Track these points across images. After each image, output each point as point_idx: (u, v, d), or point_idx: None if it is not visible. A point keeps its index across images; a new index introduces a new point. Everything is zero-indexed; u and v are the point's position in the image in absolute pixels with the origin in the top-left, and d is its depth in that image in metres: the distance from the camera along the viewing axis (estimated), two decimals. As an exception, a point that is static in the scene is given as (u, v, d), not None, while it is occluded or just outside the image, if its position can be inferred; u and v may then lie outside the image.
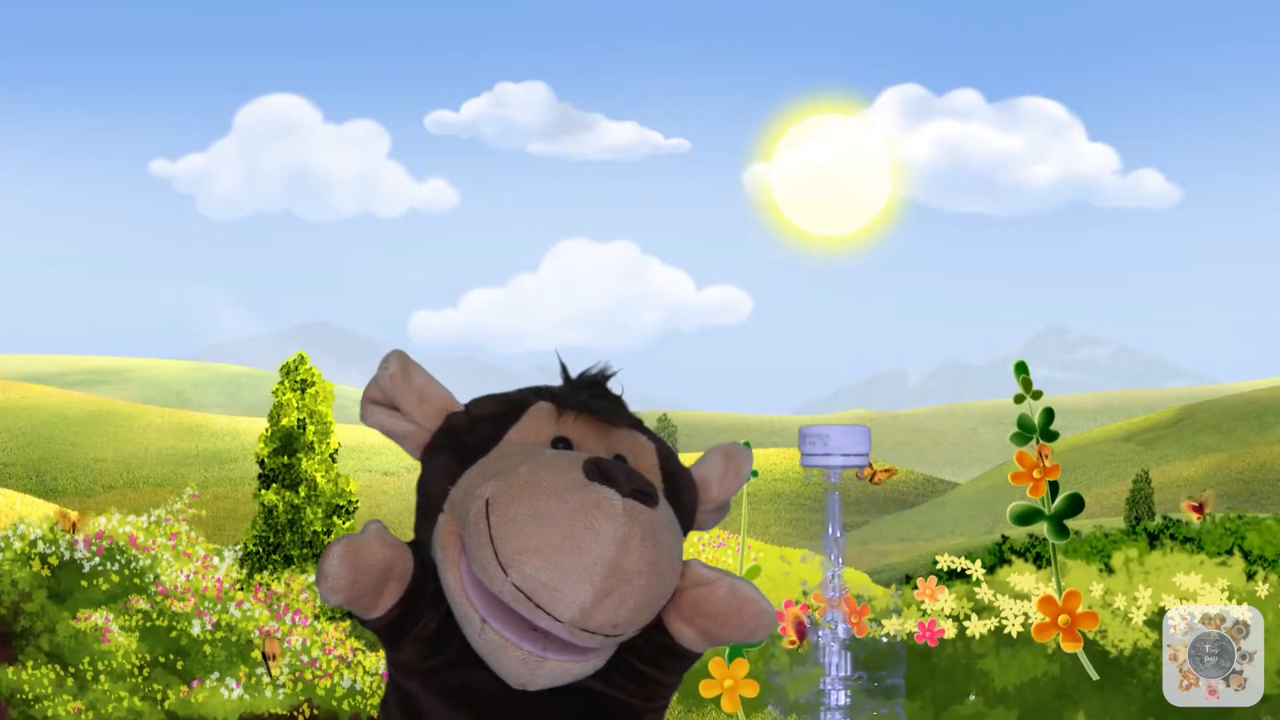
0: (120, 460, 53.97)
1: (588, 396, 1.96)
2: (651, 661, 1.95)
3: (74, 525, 14.17)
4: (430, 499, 1.97)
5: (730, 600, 1.92)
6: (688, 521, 2.01)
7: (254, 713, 13.88)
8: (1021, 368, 7.77)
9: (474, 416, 1.98)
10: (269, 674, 13.86)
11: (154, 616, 14.01)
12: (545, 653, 1.83)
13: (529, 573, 1.78)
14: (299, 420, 29.12)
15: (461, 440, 1.95)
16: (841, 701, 2.00)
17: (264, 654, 13.83)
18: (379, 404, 2.01)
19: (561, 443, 1.93)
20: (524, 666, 1.84)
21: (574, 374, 2.00)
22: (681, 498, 2.00)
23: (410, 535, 2.02)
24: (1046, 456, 7.13)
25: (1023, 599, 10.25)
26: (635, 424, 2.01)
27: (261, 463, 29.53)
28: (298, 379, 29.35)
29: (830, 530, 2.02)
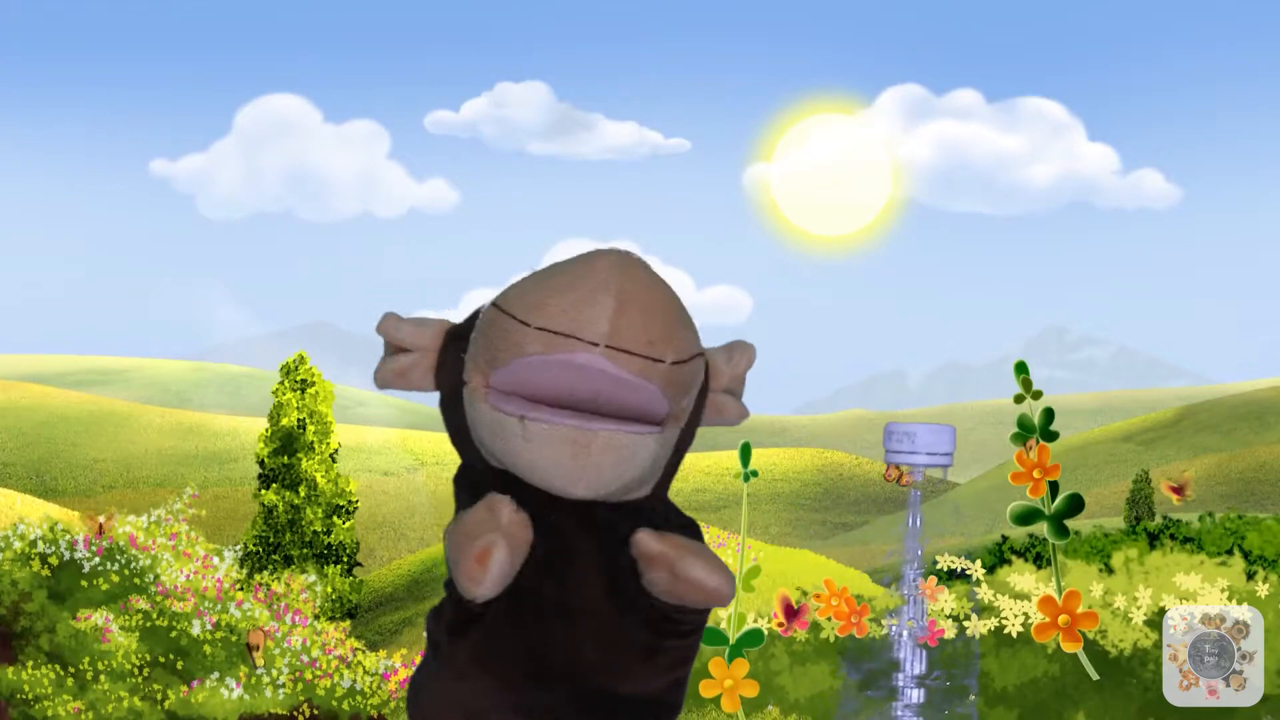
0: (120, 460, 53.97)
1: None
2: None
3: (100, 527, 14.16)
4: (453, 392, 1.98)
5: (672, 582, 1.90)
6: (703, 386, 1.99)
7: (254, 713, 13.87)
8: (1021, 368, 7.78)
9: (469, 316, 2.01)
10: (253, 664, 13.87)
11: (154, 616, 14.01)
12: (590, 424, 1.82)
13: (549, 310, 1.80)
14: (299, 420, 29.12)
15: (459, 331, 1.98)
16: (916, 700, 1.97)
17: (248, 644, 13.84)
18: (386, 356, 2.03)
19: None
20: (574, 449, 1.82)
21: None
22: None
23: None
24: (1045, 456, 7.14)
25: (1023, 599, 10.26)
26: None
27: (261, 463, 29.54)
28: (298, 379, 29.36)
29: (911, 524, 1.98)
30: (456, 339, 1.97)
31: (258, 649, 13.76)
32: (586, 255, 1.87)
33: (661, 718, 1.98)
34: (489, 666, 1.92)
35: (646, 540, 1.88)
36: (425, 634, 2.05)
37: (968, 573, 9.26)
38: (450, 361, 1.97)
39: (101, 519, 14.30)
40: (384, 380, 2.02)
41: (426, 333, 2.00)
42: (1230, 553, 15.55)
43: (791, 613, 8.13)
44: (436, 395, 2.04)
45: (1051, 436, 7.46)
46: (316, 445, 29.31)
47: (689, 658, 2.01)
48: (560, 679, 1.91)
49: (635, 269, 1.85)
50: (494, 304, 1.88)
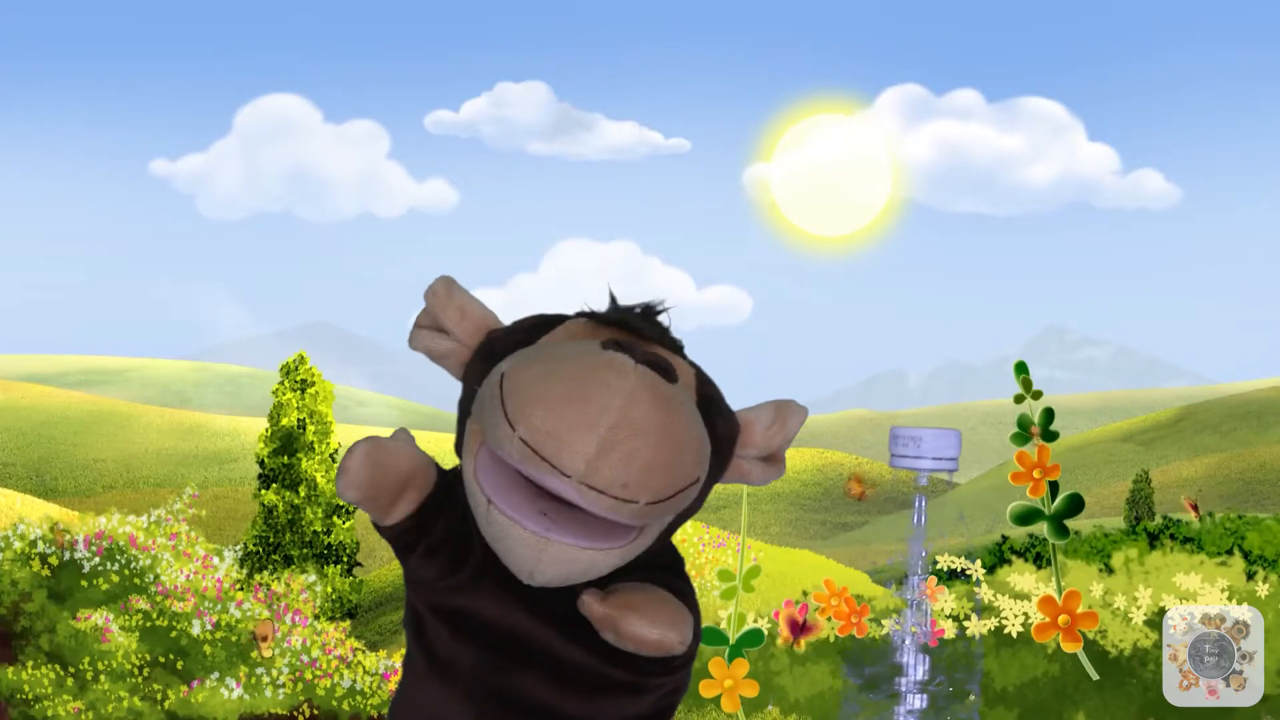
0: (120, 460, 53.97)
1: (629, 314, 1.95)
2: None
3: (65, 532, 14.16)
4: (463, 409, 1.98)
5: (619, 641, 1.90)
6: (722, 454, 1.96)
7: (254, 713, 13.87)
8: (1021, 368, 7.77)
9: (511, 328, 1.98)
10: (260, 655, 13.86)
11: (154, 616, 14.01)
12: (549, 533, 1.80)
13: (535, 424, 1.76)
14: (299, 420, 29.12)
15: (495, 349, 1.95)
16: (918, 705, 1.97)
17: (254, 635, 13.83)
18: (424, 326, 2.02)
19: None
20: (529, 549, 1.81)
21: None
22: (715, 423, 1.94)
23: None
24: (1046, 456, 7.13)
25: (1023, 599, 10.25)
26: (677, 348, 1.99)
27: (261, 463, 29.54)
28: (298, 379, 29.35)
29: (916, 525, 2.00)
30: (489, 355, 1.95)
31: (266, 639, 13.77)
32: (605, 365, 1.79)
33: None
34: (451, 676, 1.93)
35: (590, 604, 1.87)
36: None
37: (968, 573, 9.26)
38: (477, 373, 1.95)
39: (99, 522, 14.29)
40: (419, 349, 2.01)
41: (469, 326, 1.98)
42: (1230, 553, 15.57)
43: (797, 627, 8.12)
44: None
45: (1051, 436, 7.46)
46: (317, 445, 29.32)
47: (681, 687, 2.00)
48: (535, 714, 1.91)
49: (640, 401, 1.77)
50: (502, 377, 1.83)
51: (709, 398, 1.95)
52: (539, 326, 1.96)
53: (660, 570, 1.95)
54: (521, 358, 1.85)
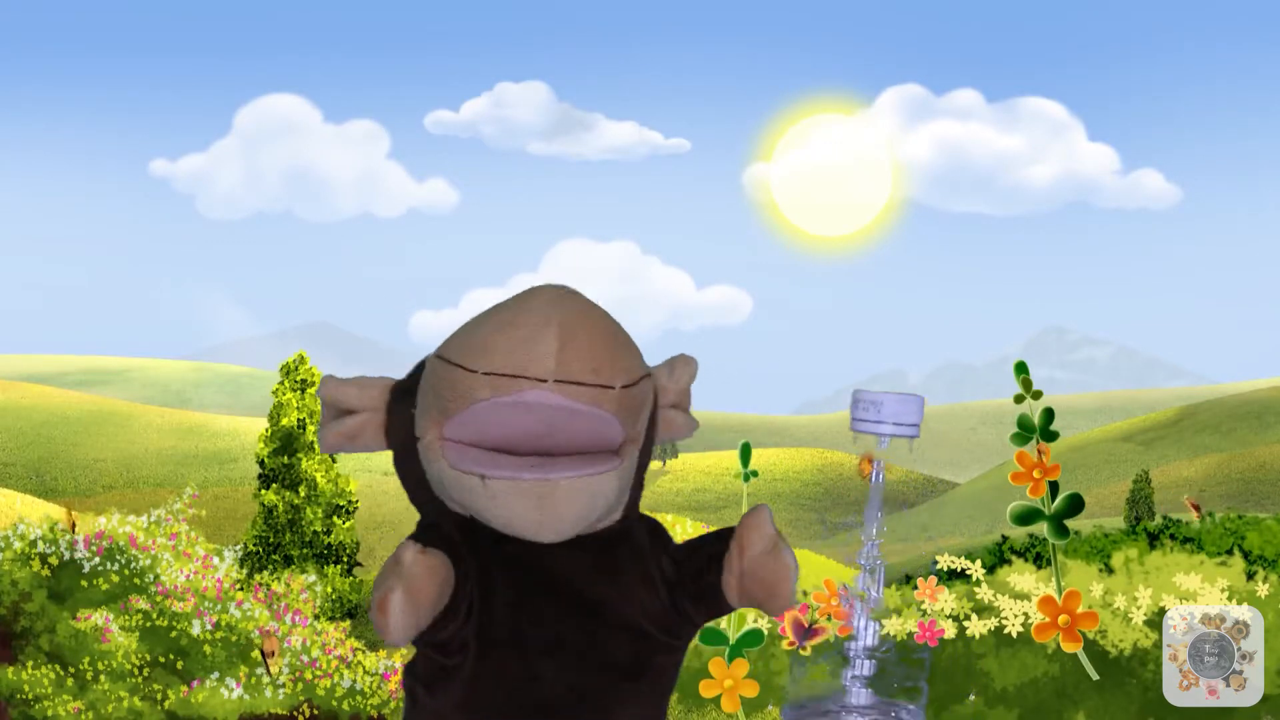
0: (120, 460, 54.00)
1: None
2: (694, 598, 1.97)
3: (73, 525, 14.18)
4: (405, 449, 1.97)
5: (763, 562, 1.96)
6: (641, 378, 1.98)
7: (254, 713, 13.88)
8: (1021, 368, 7.77)
9: (411, 371, 2.00)
10: (268, 672, 13.88)
11: (154, 616, 14.01)
12: (549, 473, 1.81)
13: (492, 353, 1.80)
14: (299, 420, 29.13)
15: (405, 390, 1.97)
16: (866, 671, 1.95)
17: (262, 651, 13.84)
18: (328, 422, 2.02)
19: None
20: (536, 501, 1.82)
21: None
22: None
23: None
24: (1046, 455, 7.14)
25: (1023, 599, 10.26)
26: None
27: (261, 463, 29.55)
28: (298, 379, 29.37)
29: (875, 486, 1.99)
30: (404, 395, 1.96)
31: (273, 655, 13.78)
32: (523, 294, 1.86)
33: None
34: (475, 715, 1.92)
35: (763, 522, 1.95)
36: (402, 687, 2.05)
37: (968, 572, 9.27)
38: (400, 419, 1.95)
39: (99, 522, 14.29)
40: (332, 445, 2.01)
41: (372, 393, 1.98)
42: (1230, 553, 15.57)
43: (802, 630, 8.11)
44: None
45: (1051, 436, 7.46)
46: (317, 445, 29.30)
47: (675, 675, 2.02)
48: (550, 716, 1.91)
49: (572, 300, 1.83)
50: (437, 355, 1.87)
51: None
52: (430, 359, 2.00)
53: (650, 533, 2.02)
54: (443, 347, 1.89)
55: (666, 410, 2.02)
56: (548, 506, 1.81)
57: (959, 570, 9.76)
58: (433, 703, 1.95)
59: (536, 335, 1.79)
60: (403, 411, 1.95)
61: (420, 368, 1.95)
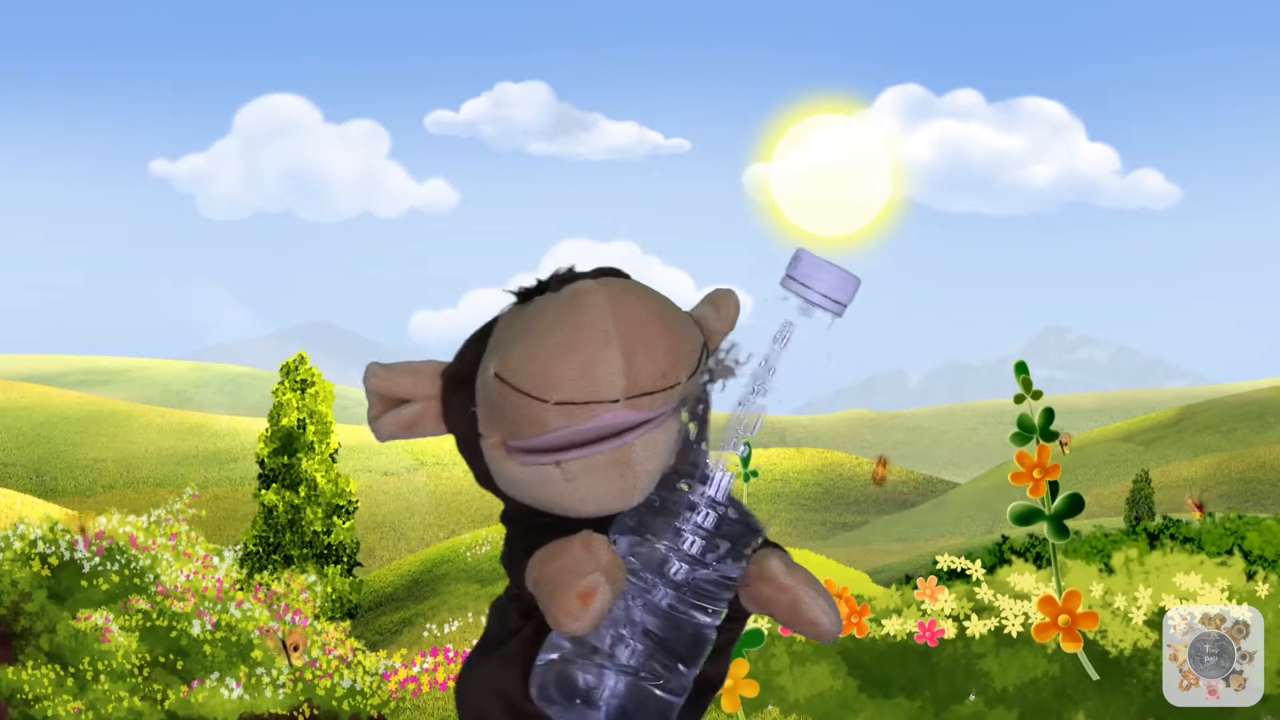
0: (120, 460, 53.99)
1: (553, 278, 1.95)
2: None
3: (83, 530, 14.19)
4: (467, 440, 1.95)
5: (791, 615, 1.89)
6: (701, 350, 1.96)
7: (254, 713, 13.87)
8: (1021, 368, 7.78)
9: (460, 353, 1.96)
10: (290, 665, 13.89)
11: (154, 616, 14.01)
12: (623, 438, 1.76)
13: (559, 381, 1.74)
14: (299, 420, 29.13)
15: (459, 378, 1.93)
16: (707, 523, 1.76)
17: (284, 644, 13.86)
18: (382, 412, 1.98)
19: None
20: (620, 469, 1.76)
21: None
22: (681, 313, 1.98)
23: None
24: (1045, 456, 7.14)
25: (1023, 599, 10.25)
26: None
27: (261, 463, 29.55)
28: (298, 379, 29.37)
29: (777, 347, 1.67)
30: (460, 384, 1.93)
31: (298, 649, 13.81)
32: (572, 299, 1.78)
33: (707, 695, 1.99)
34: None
35: (778, 571, 1.85)
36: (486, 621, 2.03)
37: (968, 572, 9.25)
38: (457, 410, 1.92)
39: (100, 522, 14.30)
40: (389, 435, 1.95)
41: (424, 379, 1.92)
42: (1230, 553, 15.56)
43: None
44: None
45: (1051, 436, 7.45)
46: (316, 445, 29.33)
47: (735, 638, 2.01)
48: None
49: (625, 300, 1.78)
50: (497, 375, 1.79)
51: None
52: (482, 335, 1.95)
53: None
54: (498, 351, 1.84)
55: (711, 354, 2.00)
56: (628, 471, 1.77)
57: (959, 570, 9.72)
58: (506, 639, 1.96)
59: (599, 357, 1.73)
60: (460, 403, 1.91)
61: (468, 352, 1.92)
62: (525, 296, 1.97)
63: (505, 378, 1.77)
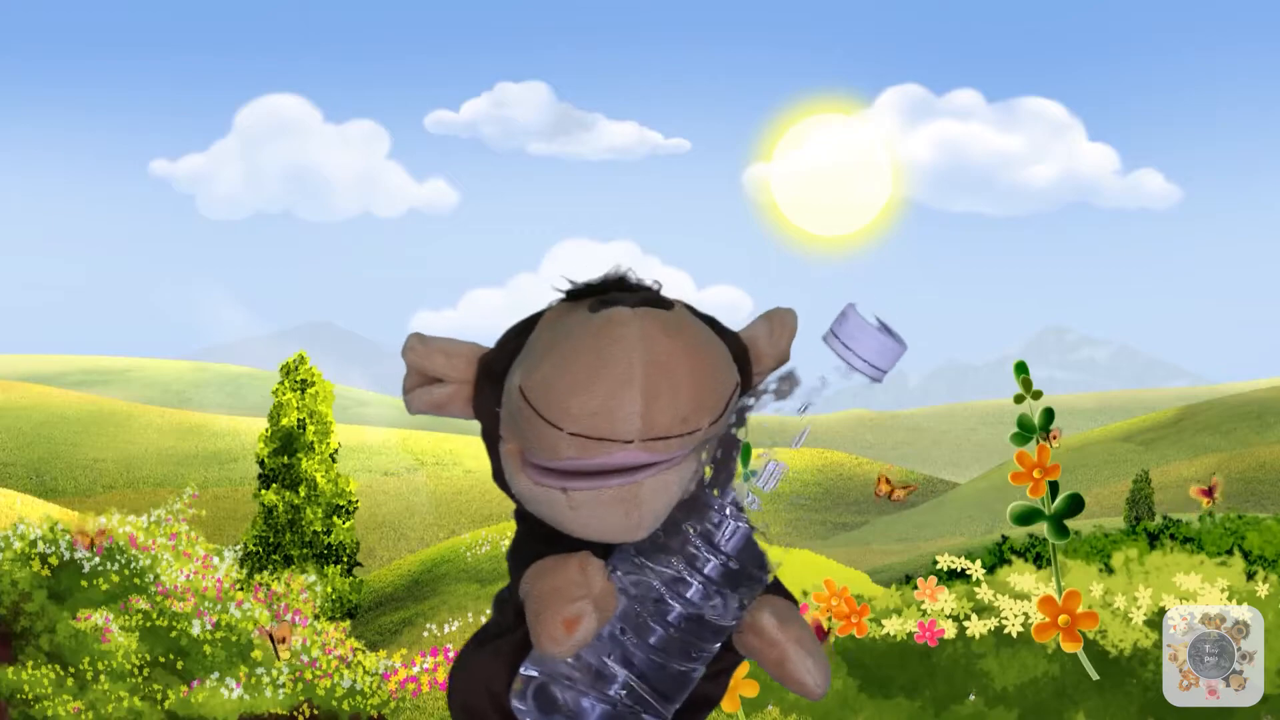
0: (120, 460, 53.99)
1: (603, 285, 1.89)
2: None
3: (92, 541, 14.18)
4: (490, 436, 1.93)
5: (778, 671, 1.85)
6: (743, 369, 1.91)
7: (254, 713, 13.87)
8: (1021, 368, 7.78)
9: (499, 344, 1.93)
10: (276, 656, 13.88)
11: (154, 616, 14.01)
12: (633, 476, 1.73)
13: (577, 412, 1.71)
14: (299, 420, 29.12)
15: (493, 369, 1.90)
16: (751, 502, 1.68)
17: (271, 637, 13.85)
18: (416, 386, 1.96)
19: None
20: (625, 506, 1.75)
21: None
22: (725, 336, 1.88)
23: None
24: (1045, 456, 7.13)
25: (1023, 599, 10.24)
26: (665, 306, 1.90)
27: (261, 463, 29.54)
28: (298, 379, 29.35)
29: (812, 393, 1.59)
30: (492, 379, 1.90)
31: (285, 641, 13.80)
32: (604, 327, 1.75)
33: (704, 710, 1.97)
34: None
35: (769, 625, 1.82)
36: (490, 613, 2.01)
37: (968, 572, 9.25)
38: (485, 404, 1.88)
39: (100, 524, 14.29)
40: (420, 410, 1.94)
41: (459, 363, 1.90)
42: (1230, 553, 15.53)
43: (821, 635, 8.09)
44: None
45: (1047, 435, 7.43)
46: (316, 445, 29.33)
47: (736, 664, 1.98)
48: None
49: (655, 339, 1.74)
50: (521, 390, 1.77)
51: (708, 319, 1.92)
52: (524, 329, 1.93)
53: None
54: (527, 362, 1.81)
55: (759, 376, 1.95)
56: (633, 510, 1.75)
57: (959, 570, 9.72)
58: (499, 631, 1.95)
59: (619, 395, 1.71)
60: (489, 396, 1.90)
61: (510, 341, 1.89)
62: (575, 296, 1.94)
63: (526, 396, 1.75)
